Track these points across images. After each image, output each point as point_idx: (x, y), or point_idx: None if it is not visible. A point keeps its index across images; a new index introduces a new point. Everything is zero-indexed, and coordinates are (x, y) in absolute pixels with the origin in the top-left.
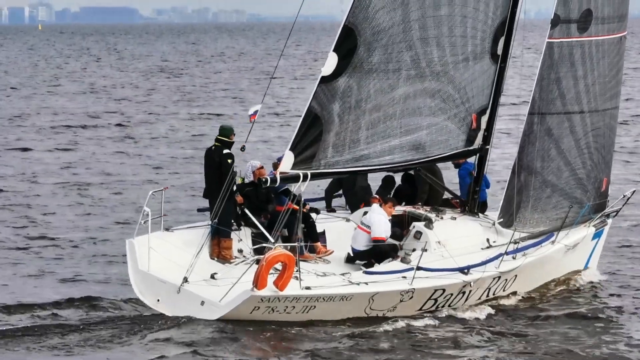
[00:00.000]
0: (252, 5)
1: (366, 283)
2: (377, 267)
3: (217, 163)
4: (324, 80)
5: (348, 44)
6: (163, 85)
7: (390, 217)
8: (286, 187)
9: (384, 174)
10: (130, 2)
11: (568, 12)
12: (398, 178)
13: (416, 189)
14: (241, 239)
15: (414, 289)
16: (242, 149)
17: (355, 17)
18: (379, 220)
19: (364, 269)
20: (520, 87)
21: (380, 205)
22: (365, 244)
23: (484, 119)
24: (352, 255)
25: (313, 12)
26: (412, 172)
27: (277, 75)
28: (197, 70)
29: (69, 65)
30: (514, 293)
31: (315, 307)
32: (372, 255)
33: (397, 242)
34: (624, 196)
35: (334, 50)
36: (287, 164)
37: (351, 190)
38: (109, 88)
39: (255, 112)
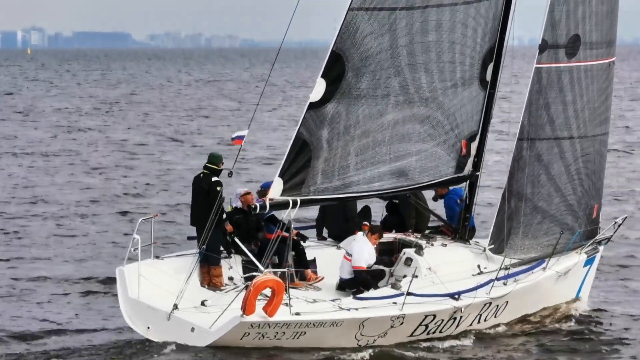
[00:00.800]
0: (245, 31)
1: (356, 309)
2: (367, 293)
3: (206, 191)
4: (312, 106)
5: (336, 69)
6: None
7: (375, 246)
8: (272, 214)
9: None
10: (124, 27)
11: (556, 37)
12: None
13: (403, 217)
14: (232, 267)
15: (404, 314)
16: (230, 174)
17: (342, 43)
18: (360, 249)
19: (354, 295)
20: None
21: (365, 234)
22: (350, 273)
23: (474, 145)
24: (340, 284)
25: (307, 38)
26: (396, 200)
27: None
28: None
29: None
30: (504, 321)
31: (305, 333)
32: (358, 283)
33: (384, 268)
34: (615, 223)
35: (322, 76)
36: (276, 191)
37: (336, 220)
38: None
39: (241, 137)
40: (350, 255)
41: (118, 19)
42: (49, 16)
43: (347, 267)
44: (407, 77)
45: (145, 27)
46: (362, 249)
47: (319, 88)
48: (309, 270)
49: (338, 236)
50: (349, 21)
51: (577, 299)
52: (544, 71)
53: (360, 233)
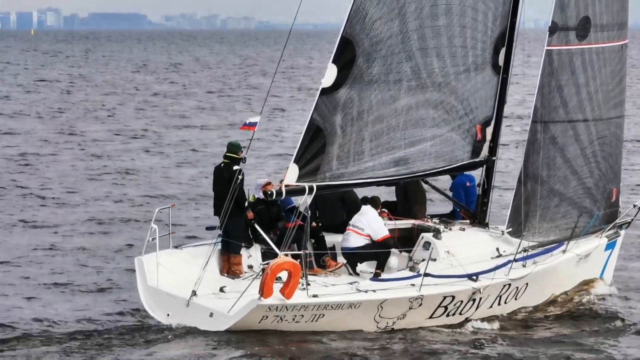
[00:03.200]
0: (260, 13)
1: (374, 290)
2: (385, 275)
3: (227, 179)
4: (325, 92)
5: (346, 55)
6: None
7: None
8: (293, 204)
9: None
10: (139, 8)
11: (565, 19)
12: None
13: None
14: (251, 255)
15: (422, 295)
16: (243, 160)
17: (352, 28)
18: (374, 220)
19: (374, 277)
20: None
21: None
22: (355, 243)
23: (489, 130)
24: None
25: (322, 20)
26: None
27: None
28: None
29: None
30: (526, 304)
31: (324, 315)
32: (367, 255)
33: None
34: (635, 206)
35: (333, 62)
36: (291, 177)
37: (331, 210)
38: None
39: (252, 123)
40: (357, 227)
41: (134, 0)
42: None
43: (353, 239)
44: (419, 62)
45: (161, 9)
46: (376, 220)
47: (330, 73)
48: (329, 257)
49: (332, 226)
50: (357, 6)
51: (600, 279)
52: (554, 53)
53: (366, 206)
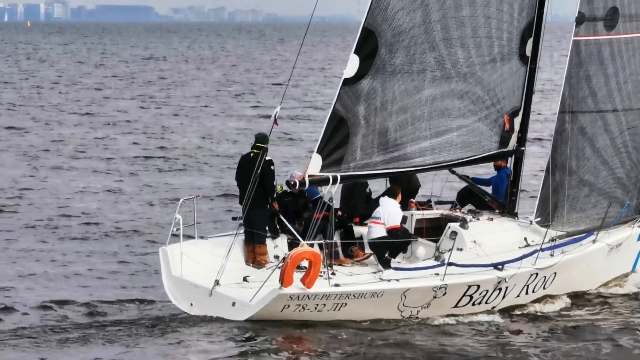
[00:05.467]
0: (268, 5)
1: (397, 280)
2: (408, 264)
3: (257, 169)
4: (347, 82)
5: (368, 45)
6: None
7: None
8: (319, 195)
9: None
10: (147, 0)
11: (593, 10)
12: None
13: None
14: (277, 245)
15: (446, 284)
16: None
17: (374, 19)
18: (389, 210)
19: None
20: None
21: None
22: (378, 236)
23: (517, 121)
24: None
25: (329, 13)
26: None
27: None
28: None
29: None
30: (555, 293)
31: (346, 304)
32: (386, 246)
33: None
34: None
35: (355, 52)
36: (315, 167)
37: (343, 203)
38: None
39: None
40: (377, 218)
41: None
42: None
43: (374, 231)
44: (443, 53)
45: (168, 1)
46: (392, 208)
47: (353, 64)
48: (357, 247)
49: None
50: None
51: (633, 272)
52: (582, 44)
53: (384, 197)
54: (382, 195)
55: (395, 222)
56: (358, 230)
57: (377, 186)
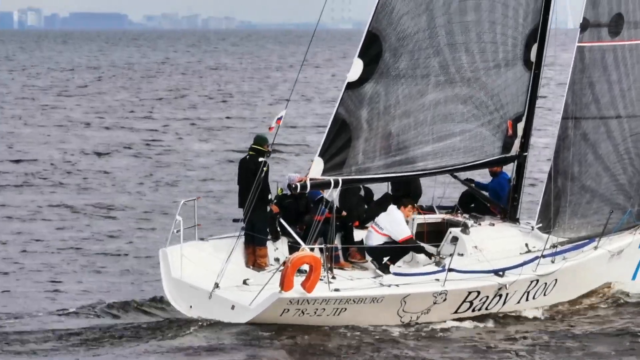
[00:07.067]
0: (242, 13)
1: (397, 285)
2: (408, 269)
3: (253, 171)
4: (350, 86)
5: (373, 49)
6: None
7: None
8: (322, 196)
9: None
10: (120, 8)
11: (597, 16)
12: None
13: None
14: (277, 248)
15: (446, 290)
16: (268, 154)
17: (379, 23)
18: (396, 220)
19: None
20: None
21: (399, 208)
22: (377, 241)
23: (520, 126)
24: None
25: (303, 20)
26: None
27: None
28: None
29: None
30: (555, 300)
31: (346, 309)
32: (384, 252)
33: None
34: None
35: (359, 56)
36: (316, 170)
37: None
38: None
39: (279, 117)
40: (377, 225)
41: (115, 0)
42: None
43: (373, 238)
44: (447, 57)
45: (142, 8)
46: (397, 221)
47: (356, 68)
48: (354, 250)
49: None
50: (384, 1)
51: (633, 281)
52: (586, 50)
53: (392, 206)
54: (387, 199)
55: (405, 233)
56: (358, 234)
57: (378, 192)
